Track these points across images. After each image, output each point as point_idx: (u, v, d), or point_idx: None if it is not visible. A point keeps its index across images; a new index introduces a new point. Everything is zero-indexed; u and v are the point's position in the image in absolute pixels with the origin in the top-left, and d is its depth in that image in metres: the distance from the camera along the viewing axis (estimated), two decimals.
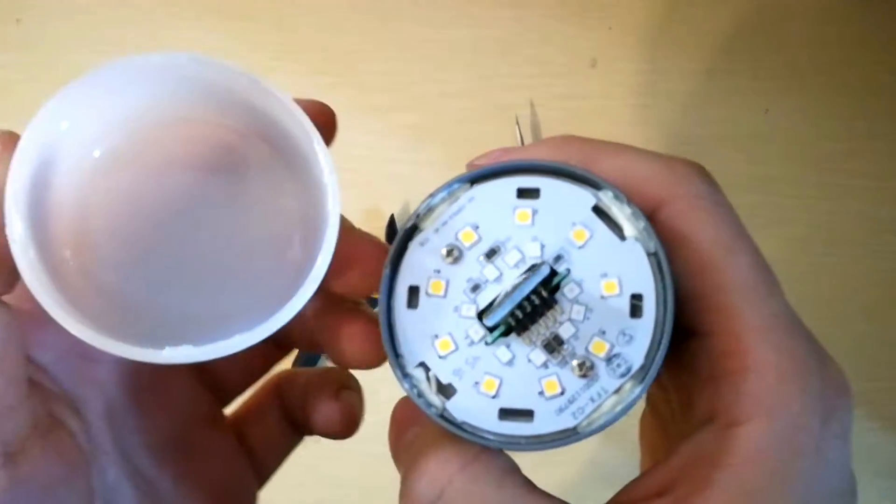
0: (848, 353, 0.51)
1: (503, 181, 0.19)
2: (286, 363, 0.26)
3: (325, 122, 0.20)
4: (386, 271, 0.18)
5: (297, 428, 0.24)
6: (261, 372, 0.25)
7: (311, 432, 0.24)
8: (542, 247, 0.18)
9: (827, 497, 0.18)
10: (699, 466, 0.17)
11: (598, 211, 0.18)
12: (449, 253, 0.18)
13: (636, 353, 0.17)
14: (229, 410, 0.25)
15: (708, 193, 0.19)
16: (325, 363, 0.47)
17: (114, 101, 0.18)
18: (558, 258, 0.18)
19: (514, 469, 0.18)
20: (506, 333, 0.18)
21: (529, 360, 0.18)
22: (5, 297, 0.18)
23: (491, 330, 0.18)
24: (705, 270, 0.18)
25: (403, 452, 0.18)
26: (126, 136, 0.19)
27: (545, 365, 0.17)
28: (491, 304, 0.18)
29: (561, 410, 0.17)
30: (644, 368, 0.17)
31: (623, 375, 0.17)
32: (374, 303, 0.20)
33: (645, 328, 0.17)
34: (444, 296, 0.18)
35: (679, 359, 0.19)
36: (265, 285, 0.19)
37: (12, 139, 0.18)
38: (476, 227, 0.18)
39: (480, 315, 0.18)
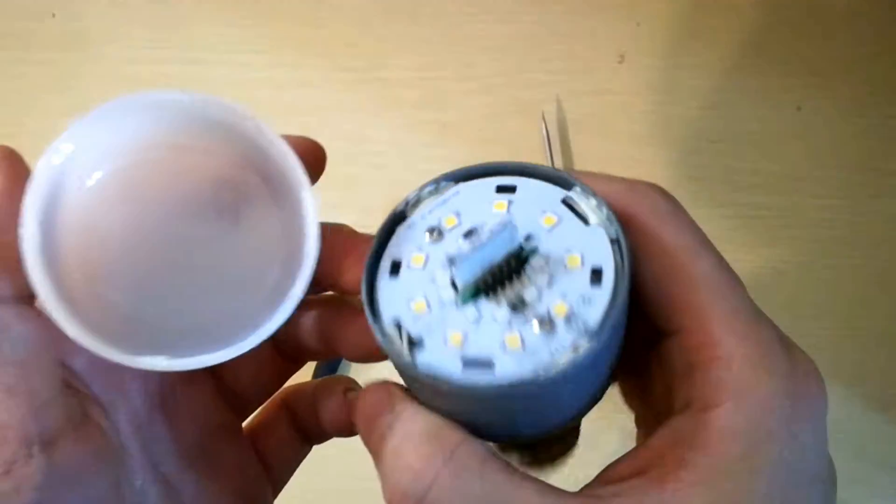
0: (875, 356, 0.51)
1: (485, 180, 0.21)
2: (303, 375, 0.27)
3: (315, 160, 0.22)
4: (373, 244, 0.20)
5: (306, 438, 0.26)
6: (276, 385, 0.26)
7: (320, 440, 0.26)
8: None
9: (803, 481, 0.18)
10: (675, 448, 0.18)
11: (567, 204, 0.20)
12: (431, 233, 0.20)
13: (594, 315, 0.18)
14: (244, 424, 0.26)
15: (669, 207, 0.20)
16: (346, 371, 0.48)
17: (119, 130, 0.20)
18: (528, 237, 0.20)
19: (491, 454, 0.18)
20: (475, 295, 0.19)
21: (495, 319, 0.19)
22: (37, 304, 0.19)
23: (461, 290, 0.19)
24: (673, 272, 0.19)
25: (378, 442, 0.19)
26: (129, 162, 0.20)
27: (509, 323, 0.19)
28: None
29: (521, 362, 0.18)
30: (600, 327, 0.18)
31: (580, 333, 0.18)
32: None
33: (603, 294, 0.19)
34: (423, 268, 0.20)
35: (658, 360, 0.21)
36: (246, 307, 0.20)
37: (10, 154, 0.20)
38: (458, 214, 0.21)
39: (454, 282, 0.19)
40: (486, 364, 0.18)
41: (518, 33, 0.54)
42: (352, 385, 0.25)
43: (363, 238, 0.22)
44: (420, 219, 0.21)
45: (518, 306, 0.19)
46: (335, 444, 0.26)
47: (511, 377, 0.18)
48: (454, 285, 0.19)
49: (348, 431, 0.25)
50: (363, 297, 0.20)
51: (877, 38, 0.53)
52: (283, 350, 0.25)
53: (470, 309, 0.19)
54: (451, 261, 0.19)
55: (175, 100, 0.20)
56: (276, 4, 0.55)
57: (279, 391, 0.26)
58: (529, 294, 0.19)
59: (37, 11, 0.55)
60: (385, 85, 0.54)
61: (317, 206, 0.20)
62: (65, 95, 0.54)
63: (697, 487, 0.17)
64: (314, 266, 0.20)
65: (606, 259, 0.19)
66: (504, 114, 0.53)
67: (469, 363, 0.19)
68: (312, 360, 0.26)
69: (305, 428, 0.26)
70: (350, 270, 0.21)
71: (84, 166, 0.20)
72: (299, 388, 0.26)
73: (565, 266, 0.19)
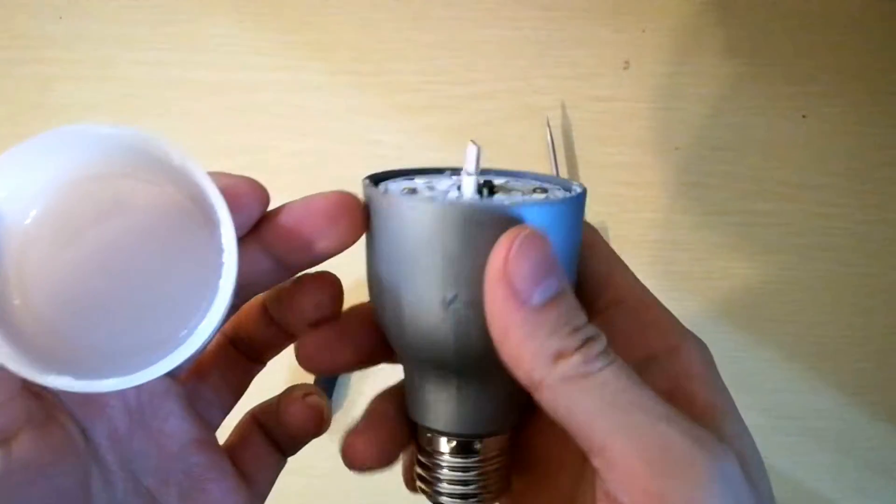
0: (881, 364, 0.50)
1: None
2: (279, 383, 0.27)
3: (250, 200, 0.22)
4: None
5: (280, 450, 0.27)
6: (243, 385, 0.27)
7: (293, 449, 0.27)
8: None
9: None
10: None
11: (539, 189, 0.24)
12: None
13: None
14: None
15: (705, 352, 0.24)
16: (346, 382, 0.48)
17: (52, 161, 0.20)
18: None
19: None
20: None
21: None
22: None
23: None
24: (605, 264, 0.24)
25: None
26: (64, 192, 0.21)
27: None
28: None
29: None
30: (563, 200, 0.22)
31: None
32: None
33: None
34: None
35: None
36: (166, 335, 0.21)
37: None
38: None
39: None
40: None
41: (523, 39, 0.54)
42: (311, 390, 0.27)
43: (321, 199, 0.22)
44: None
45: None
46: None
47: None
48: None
49: (313, 433, 0.26)
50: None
51: (882, 48, 0.53)
52: (243, 349, 0.26)
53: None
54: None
55: (105, 133, 0.20)
56: (281, 8, 0.55)
57: (250, 410, 0.27)
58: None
59: (45, 14, 0.55)
60: (389, 89, 0.54)
61: (234, 248, 0.20)
62: (73, 96, 0.54)
63: None
64: (228, 303, 0.20)
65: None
66: (509, 119, 0.53)
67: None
68: (272, 353, 0.27)
69: (277, 440, 0.27)
70: (333, 231, 0.22)
71: (20, 203, 0.20)
72: (265, 403, 0.27)
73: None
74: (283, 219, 0.22)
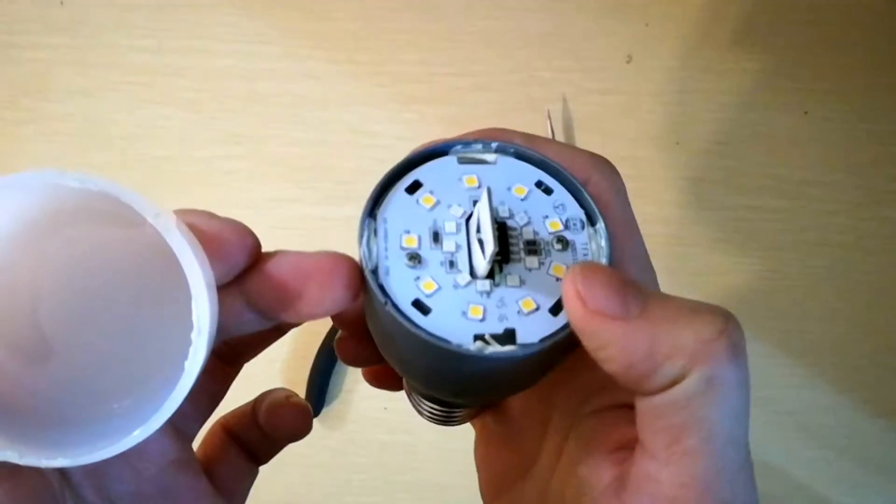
0: (881, 361, 0.50)
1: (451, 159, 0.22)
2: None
3: (240, 250, 0.20)
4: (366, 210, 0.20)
5: (254, 458, 0.26)
6: (221, 392, 0.26)
7: (267, 456, 0.26)
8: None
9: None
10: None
11: (540, 184, 0.21)
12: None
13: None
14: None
15: (618, 183, 0.22)
16: (343, 374, 0.48)
17: (16, 207, 0.18)
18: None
19: None
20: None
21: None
22: None
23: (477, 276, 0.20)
24: (614, 240, 0.21)
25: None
26: (20, 245, 0.19)
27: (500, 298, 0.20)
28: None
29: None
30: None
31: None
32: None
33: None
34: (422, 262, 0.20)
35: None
36: (129, 410, 0.19)
37: None
38: (432, 193, 0.21)
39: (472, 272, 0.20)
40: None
41: (526, 31, 0.54)
42: (290, 393, 0.26)
43: (328, 257, 0.20)
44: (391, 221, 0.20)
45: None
46: None
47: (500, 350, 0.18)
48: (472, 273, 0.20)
49: (300, 435, 0.26)
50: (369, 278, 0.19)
51: (885, 45, 0.53)
52: (220, 354, 0.25)
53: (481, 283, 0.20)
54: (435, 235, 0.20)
55: (78, 188, 0.17)
56: None
57: (218, 420, 0.26)
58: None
59: None
60: (392, 79, 0.54)
61: (210, 314, 0.17)
62: (74, 81, 0.54)
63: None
64: (192, 384, 0.18)
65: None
66: (510, 111, 0.53)
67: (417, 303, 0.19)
68: (252, 354, 0.26)
69: (251, 447, 0.26)
70: (318, 301, 0.20)
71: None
72: (237, 411, 0.27)
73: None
74: (270, 275, 0.20)
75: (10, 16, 0.55)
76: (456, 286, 0.19)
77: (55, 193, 0.17)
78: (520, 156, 0.22)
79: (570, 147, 0.23)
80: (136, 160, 0.53)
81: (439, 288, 0.19)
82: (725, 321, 0.18)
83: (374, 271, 0.19)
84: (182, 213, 0.19)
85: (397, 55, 0.54)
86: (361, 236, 0.20)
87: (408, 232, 0.20)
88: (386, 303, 0.19)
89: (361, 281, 0.20)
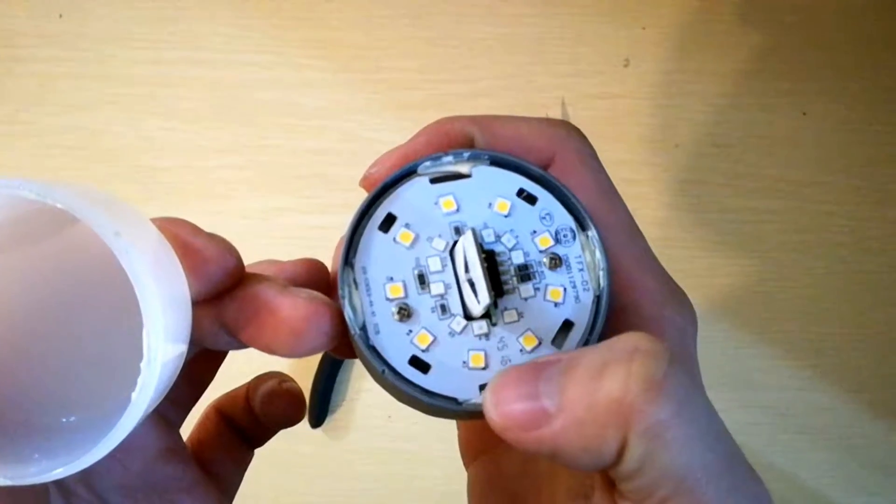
0: (882, 362, 0.50)
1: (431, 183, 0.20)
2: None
3: (220, 270, 0.19)
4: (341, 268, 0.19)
5: (248, 442, 0.26)
6: (207, 376, 0.25)
7: (261, 440, 0.26)
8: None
9: (707, 411, 0.17)
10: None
11: (521, 192, 0.20)
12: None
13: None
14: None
15: (586, 149, 0.21)
16: (349, 370, 0.48)
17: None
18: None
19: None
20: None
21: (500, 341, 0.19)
22: None
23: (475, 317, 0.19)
24: (593, 214, 0.20)
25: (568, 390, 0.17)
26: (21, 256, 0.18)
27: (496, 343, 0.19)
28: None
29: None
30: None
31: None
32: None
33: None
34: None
35: None
36: (87, 426, 0.19)
37: None
38: (408, 226, 0.20)
39: (467, 316, 0.19)
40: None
41: (523, 36, 0.54)
42: (285, 377, 0.25)
43: (307, 299, 0.19)
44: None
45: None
46: None
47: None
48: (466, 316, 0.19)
49: (294, 420, 0.25)
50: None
51: (882, 46, 0.53)
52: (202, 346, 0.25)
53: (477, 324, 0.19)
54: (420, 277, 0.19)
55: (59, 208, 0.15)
56: (281, 6, 0.55)
57: (211, 403, 0.26)
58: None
59: (45, 12, 0.55)
60: (389, 86, 0.54)
61: (179, 330, 0.16)
62: (73, 94, 0.54)
63: None
64: (140, 416, 0.16)
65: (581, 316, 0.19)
66: None
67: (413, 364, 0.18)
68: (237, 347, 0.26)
69: (245, 431, 0.26)
70: (283, 341, 0.19)
71: None
72: (231, 394, 0.26)
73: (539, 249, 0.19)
74: (244, 308, 0.19)
75: (8, 29, 0.55)
76: (452, 334, 0.18)
77: (17, 202, 0.16)
78: (495, 162, 0.20)
79: (525, 122, 0.21)
80: (136, 171, 0.53)
81: (435, 339, 0.18)
82: (629, 360, 0.16)
83: (364, 330, 0.18)
84: (168, 223, 0.18)
85: (393, 62, 0.54)
86: (342, 291, 0.18)
87: (391, 279, 0.19)
88: (384, 371, 0.18)
89: (343, 327, 0.18)
